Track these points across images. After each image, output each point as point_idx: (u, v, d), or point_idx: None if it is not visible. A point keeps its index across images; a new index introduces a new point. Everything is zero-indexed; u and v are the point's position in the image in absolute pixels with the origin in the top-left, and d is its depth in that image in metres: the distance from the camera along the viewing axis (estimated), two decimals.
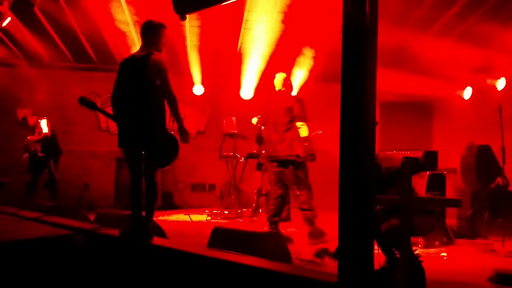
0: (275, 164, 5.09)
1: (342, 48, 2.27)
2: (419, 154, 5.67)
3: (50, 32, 7.63)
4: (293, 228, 5.82)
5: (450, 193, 5.82)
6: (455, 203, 3.81)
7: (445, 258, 4.32)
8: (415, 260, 2.73)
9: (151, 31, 3.59)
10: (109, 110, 3.79)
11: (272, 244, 3.37)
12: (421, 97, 8.26)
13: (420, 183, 4.87)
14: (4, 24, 6.02)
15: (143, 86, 3.44)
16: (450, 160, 6.15)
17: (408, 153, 6.01)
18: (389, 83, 5.15)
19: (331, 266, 3.60)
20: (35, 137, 6.59)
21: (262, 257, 3.00)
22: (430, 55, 6.88)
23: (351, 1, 2.15)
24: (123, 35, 7.45)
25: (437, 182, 5.03)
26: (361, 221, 2.09)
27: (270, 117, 5.21)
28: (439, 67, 7.07)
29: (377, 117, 2.47)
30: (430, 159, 4.92)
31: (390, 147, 6.00)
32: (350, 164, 2.15)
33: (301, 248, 4.42)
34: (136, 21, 7.19)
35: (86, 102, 3.70)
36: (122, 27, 7.29)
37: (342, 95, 2.24)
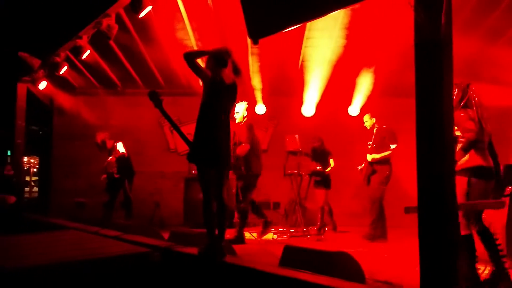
0: None
1: (416, 62, 2.20)
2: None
3: (122, 61, 8.19)
4: (363, 247, 5.65)
5: None
6: None
7: None
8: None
9: (230, 59, 3.82)
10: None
11: (345, 264, 3.29)
12: (497, 108, 7.77)
13: None
14: (84, 56, 6.53)
15: (230, 111, 3.80)
16: None
17: None
18: None
19: (407, 286, 3.45)
20: (113, 158, 7.05)
21: (335, 277, 2.94)
22: (504, 63, 6.48)
23: (424, 13, 2.09)
24: None
25: None
26: (444, 242, 2.00)
27: None
28: None
29: None
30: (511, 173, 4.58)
31: None
32: (431, 182, 2.06)
33: (374, 268, 4.27)
34: (200, 47, 7.52)
35: (155, 97, 3.90)
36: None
37: (418, 111, 2.17)
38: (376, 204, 6.20)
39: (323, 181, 7.13)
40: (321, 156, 7.22)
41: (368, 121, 6.64)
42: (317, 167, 7.09)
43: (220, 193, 3.67)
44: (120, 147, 7.02)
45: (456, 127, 3.46)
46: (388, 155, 6.27)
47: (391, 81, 7.40)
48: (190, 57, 3.68)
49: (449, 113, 2.13)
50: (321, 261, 3.22)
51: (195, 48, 7.44)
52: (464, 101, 3.62)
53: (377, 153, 6.32)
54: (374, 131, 6.52)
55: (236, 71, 3.83)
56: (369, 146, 6.48)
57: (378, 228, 6.19)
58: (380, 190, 6.20)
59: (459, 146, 3.50)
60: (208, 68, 3.81)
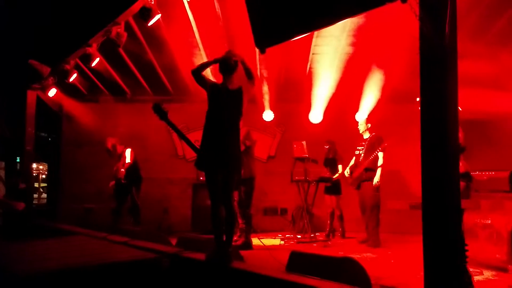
0: None
1: (420, 70, 2.23)
2: (505, 174, 5.33)
3: (131, 68, 8.29)
4: (369, 253, 5.64)
5: None
6: None
7: None
8: None
9: (236, 66, 3.89)
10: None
11: (351, 269, 3.30)
12: (505, 114, 7.73)
13: None
14: (93, 64, 6.62)
15: (237, 116, 3.80)
16: None
17: (493, 174, 5.65)
18: (467, 101, 4.94)
19: None
20: (122, 167, 7.12)
21: (341, 282, 2.96)
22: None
23: (429, 22, 2.12)
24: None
25: None
26: (448, 254, 2.01)
27: None
28: None
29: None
30: None
31: (472, 168, 5.66)
32: (435, 188, 2.08)
33: (380, 274, 4.27)
34: (208, 54, 7.59)
35: (159, 110, 3.93)
36: (196, 60, 7.70)
37: (422, 118, 2.20)
38: (375, 211, 6.22)
39: (334, 187, 7.15)
40: (331, 162, 7.24)
41: (362, 125, 6.62)
42: (330, 174, 7.12)
43: (229, 199, 3.71)
44: (128, 154, 7.10)
45: None
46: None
47: (399, 87, 7.40)
48: (198, 71, 3.77)
49: (453, 118, 2.16)
50: (327, 266, 3.23)
51: (204, 55, 7.51)
52: None
53: (365, 160, 6.35)
54: (365, 137, 6.54)
55: (249, 75, 3.87)
56: (357, 151, 6.56)
57: (378, 234, 6.21)
58: (377, 197, 6.24)
59: None
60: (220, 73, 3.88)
